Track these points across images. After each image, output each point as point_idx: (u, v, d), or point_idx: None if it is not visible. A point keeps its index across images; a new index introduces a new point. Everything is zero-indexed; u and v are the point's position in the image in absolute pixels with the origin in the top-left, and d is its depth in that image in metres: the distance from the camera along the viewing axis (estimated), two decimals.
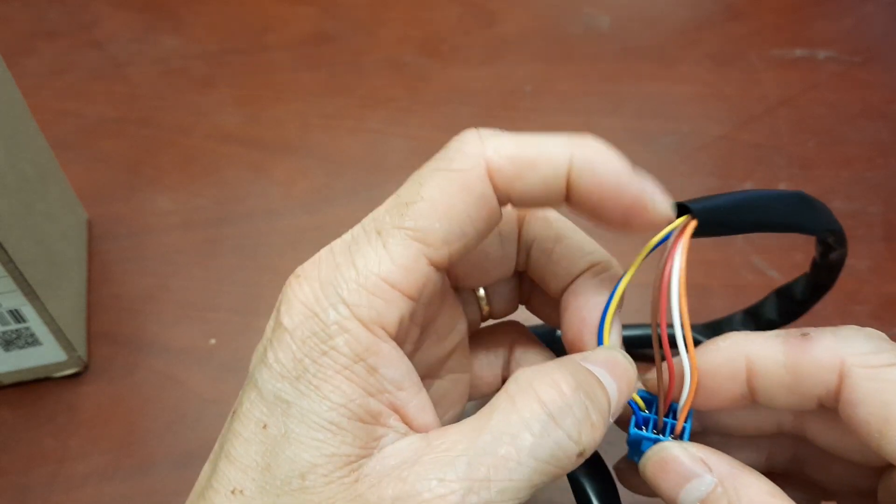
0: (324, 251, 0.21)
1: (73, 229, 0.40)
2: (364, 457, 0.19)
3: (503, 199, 0.21)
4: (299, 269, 0.21)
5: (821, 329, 0.21)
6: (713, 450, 0.21)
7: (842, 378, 0.20)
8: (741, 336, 0.22)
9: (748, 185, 0.43)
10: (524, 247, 0.24)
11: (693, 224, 0.22)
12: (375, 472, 0.19)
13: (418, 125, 0.47)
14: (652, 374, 0.23)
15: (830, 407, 0.21)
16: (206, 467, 0.21)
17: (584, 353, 0.22)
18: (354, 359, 0.19)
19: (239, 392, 0.20)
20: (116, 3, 0.54)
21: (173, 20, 0.53)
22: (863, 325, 0.33)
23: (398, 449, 0.20)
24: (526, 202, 0.21)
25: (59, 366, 0.36)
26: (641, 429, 0.23)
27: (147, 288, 0.40)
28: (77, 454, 0.35)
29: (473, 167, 0.20)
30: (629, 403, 0.23)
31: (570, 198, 0.21)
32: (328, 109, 0.48)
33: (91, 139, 0.47)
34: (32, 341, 0.34)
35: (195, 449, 0.35)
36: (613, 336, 0.23)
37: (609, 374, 0.21)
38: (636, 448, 0.23)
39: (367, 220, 0.21)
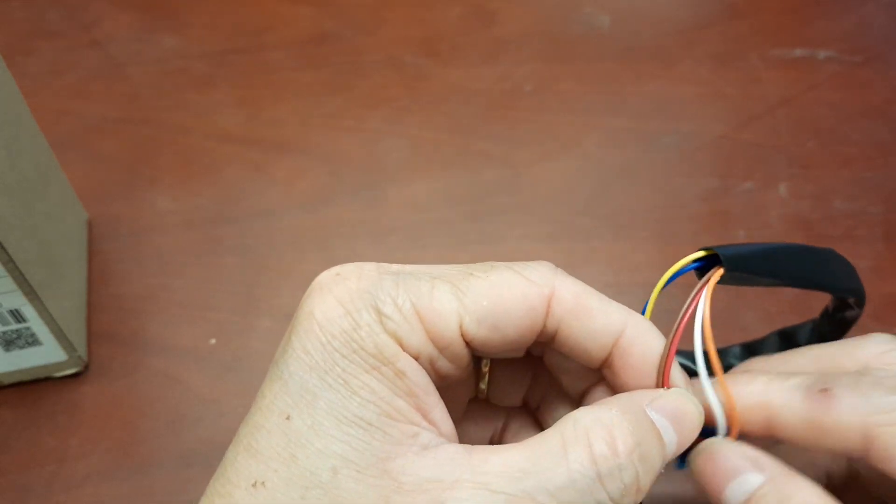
0: (370, 264, 0.22)
1: (73, 229, 0.40)
2: (399, 455, 0.19)
3: (549, 330, 0.22)
4: (339, 269, 0.21)
5: (841, 382, 0.21)
6: (765, 452, 0.21)
7: (868, 439, 0.20)
8: (763, 383, 0.22)
9: (748, 186, 0.43)
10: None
11: (720, 272, 0.22)
12: (409, 478, 0.19)
13: (418, 125, 0.47)
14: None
15: (859, 459, 0.21)
16: (219, 468, 0.21)
17: (654, 396, 0.21)
18: (383, 361, 0.20)
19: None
20: (116, 3, 0.54)
21: (173, 20, 0.53)
22: (863, 325, 0.33)
23: (437, 457, 0.19)
24: (568, 343, 0.22)
25: (60, 366, 0.36)
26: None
27: (147, 288, 0.40)
28: (77, 454, 0.35)
29: (540, 284, 0.21)
30: None
31: (605, 361, 0.22)
32: (328, 109, 0.48)
33: (91, 139, 0.47)
34: (33, 341, 0.34)
35: (195, 449, 0.35)
36: (678, 376, 0.22)
37: (673, 426, 0.21)
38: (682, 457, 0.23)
39: (426, 266, 0.22)
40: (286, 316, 0.39)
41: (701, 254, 0.22)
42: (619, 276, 0.40)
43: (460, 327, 0.21)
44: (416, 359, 0.20)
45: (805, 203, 0.42)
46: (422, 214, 0.43)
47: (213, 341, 0.38)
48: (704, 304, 0.22)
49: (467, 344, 0.21)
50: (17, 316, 0.33)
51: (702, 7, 0.53)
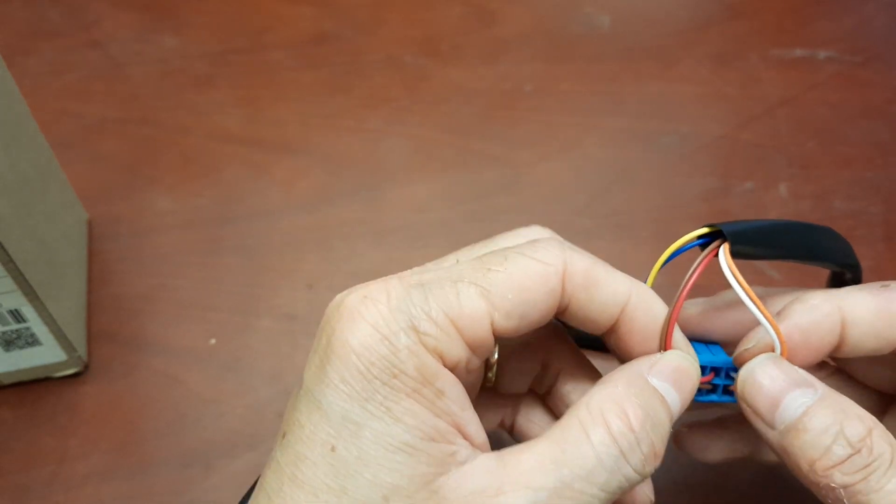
0: (392, 280, 0.21)
1: (73, 229, 0.40)
2: (441, 474, 0.20)
3: (562, 305, 0.22)
4: (364, 290, 0.21)
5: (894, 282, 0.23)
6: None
7: None
8: (827, 293, 0.23)
9: (748, 186, 0.43)
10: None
11: (727, 246, 0.23)
12: (455, 494, 0.20)
13: (418, 125, 0.47)
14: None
15: None
16: (261, 494, 0.21)
17: (652, 362, 0.22)
18: (423, 382, 0.20)
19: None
20: (116, 3, 0.54)
21: (173, 20, 0.53)
22: None
23: (474, 470, 0.20)
24: (578, 314, 0.23)
25: (60, 366, 0.36)
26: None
27: (147, 288, 0.40)
28: (77, 454, 0.35)
29: (554, 264, 0.22)
30: None
31: (611, 328, 0.23)
32: (328, 109, 0.48)
33: (91, 139, 0.47)
34: (33, 341, 0.34)
35: (195, 448, 0.35)
36: (680, 338, 0.23)
37: (674, 386, 0.22)
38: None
39: (443, 270, 0.22)
40: (286, 316, 0.39)
41: (705, 230, 0.23)
42: None
43: (491, 325, 0.21)
44: (455, 368, 0.21)
45: (805, 203, 0.42)
46: (422, 214, 0.43)
47: (213, 341, 0.38)
48: (735, 274, 0.22)
49: (496, 338, 0.22)
50: (17, 316, 0.33)
51: (702, 7, 0.53)
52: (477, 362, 0.22)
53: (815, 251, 0.25)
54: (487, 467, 0.20)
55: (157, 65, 0.50)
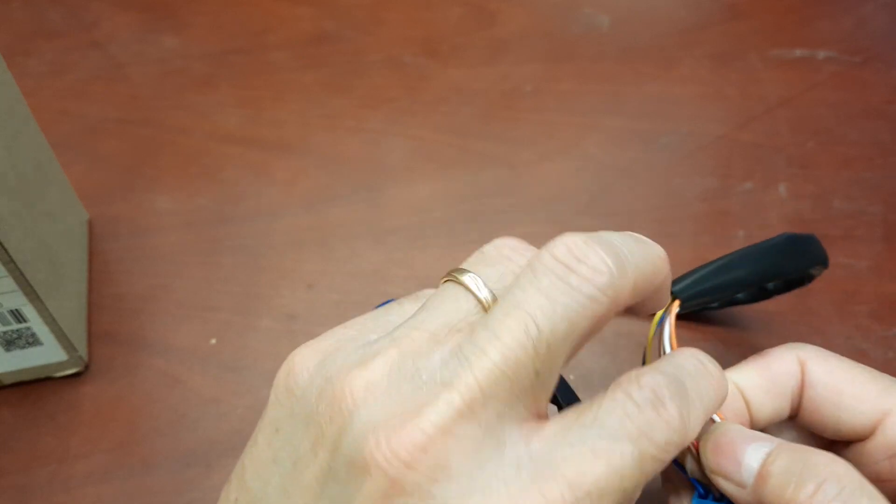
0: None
1: (73, 229, 0.40)
2: None
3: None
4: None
5: (770, 349, 0.26)
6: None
7: (803, 366, 0.25)
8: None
9: (748, 186, 0.43)
10: None
11: (676, 304, 0.25)
12: None
13: (418, 125, 0.47)
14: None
15: (796, 400, 0.25)
16: None
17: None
18: None
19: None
20: (116, 3, 0.54)
21: (173, 20, 0.53)
22: (862, 324, 0.33)
23: None
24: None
25: (60, 365, 0.36)
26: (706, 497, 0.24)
27: (147, 288, 0.40)
28: (77, 454, 0.35)
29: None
30: (691, 481, 0.24)
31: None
32: (328, 109, 0.48)
33: (91, 139, 0.47)
34: (33, 341, 0.34)
35: (195, 449, 0.35)
36: None
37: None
38: None
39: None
40: (286, 316, 0.39)
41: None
42: None
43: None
44: None
45: (805, 203, 0.42)
46: (422, 214, 0.43)
47: (213, 341, 0.38)
48: (672, 339, 0.24)
49: None
50: (17, 316, 0.33)
51: (702, 7, 0.53)
52: None
53: (775, 270, 0.27)
54: None
55: (157, 65, 0.50)
